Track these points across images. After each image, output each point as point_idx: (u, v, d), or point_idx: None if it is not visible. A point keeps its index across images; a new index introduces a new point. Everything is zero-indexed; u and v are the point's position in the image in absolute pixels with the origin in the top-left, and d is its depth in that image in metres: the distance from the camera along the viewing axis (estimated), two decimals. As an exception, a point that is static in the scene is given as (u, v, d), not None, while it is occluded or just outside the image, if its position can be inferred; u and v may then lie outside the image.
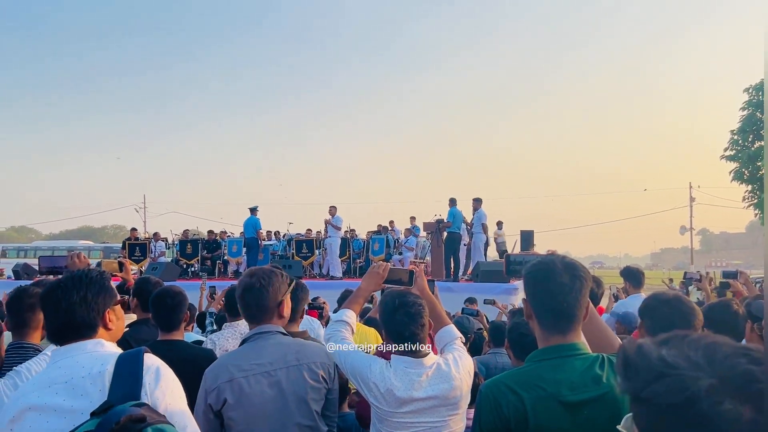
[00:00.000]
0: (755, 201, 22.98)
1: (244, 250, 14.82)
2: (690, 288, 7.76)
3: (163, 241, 16.84)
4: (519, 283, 10.11)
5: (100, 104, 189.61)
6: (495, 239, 16.03)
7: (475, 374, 2.37)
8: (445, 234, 13.01)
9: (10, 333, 2.55)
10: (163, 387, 1.51)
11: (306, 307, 3.52)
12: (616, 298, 6.39)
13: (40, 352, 2.33)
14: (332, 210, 14.30)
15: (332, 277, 13.94)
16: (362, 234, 16.76)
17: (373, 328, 3.87)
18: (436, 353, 2.37)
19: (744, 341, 2.60)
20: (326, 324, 3.59)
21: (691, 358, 0.76)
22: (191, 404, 1.81)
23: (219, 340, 3.53)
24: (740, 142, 23.64)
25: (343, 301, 3.42)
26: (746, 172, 22.98)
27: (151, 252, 15.66)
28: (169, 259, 16.01)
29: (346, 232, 15.58)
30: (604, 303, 6.53)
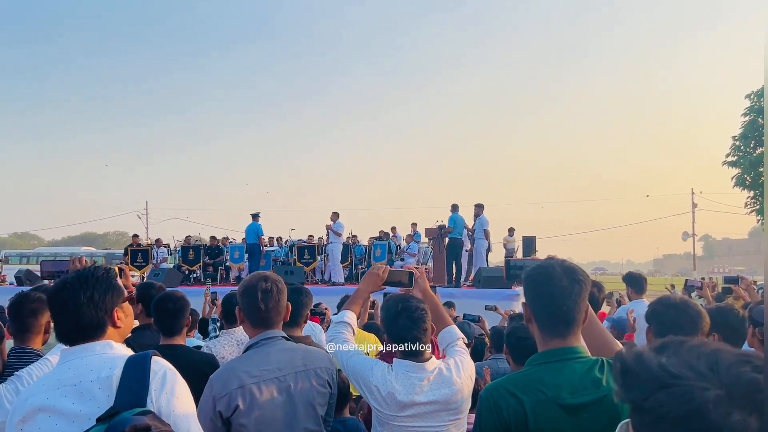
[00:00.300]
0: (757, 207, 22.98)
1: (246, 256, 14.83)
2: (692, 295, 7.75)
3: (165, 247, 16.86)
4: (521, 289, 10.07)
5: (102, 111, 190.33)
6: (505, 245, 16.00)
7: (476, 380, 2.38)
8: (447, 240, 13.01)
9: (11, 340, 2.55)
10: (168, 392, 1.51)
11: (308, 313, 3.52)
12: (619, 303, 6.38)
13: (41, 357, 2.33)
14: (334, 216, 14.33)
15: (334, 283, 13.94)
16: (364, 240, 16.75)
17: (372, 334, 3.87)
18: (438, 356, 2.38)
19: (746, 345, 2.61)
20: (327, 328, 3.60)
21: (695, 367, 0.75)
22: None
23: (215, 347, 3.51)
24: (742, 148, 23.70)
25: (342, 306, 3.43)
26: (748, 178, 23.00)
27: (154, 258, 15.66)
28: (172, 266, 16.02)
29: (348, 238, 15.58)
30: (606, 309, 6.54)
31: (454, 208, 13.20)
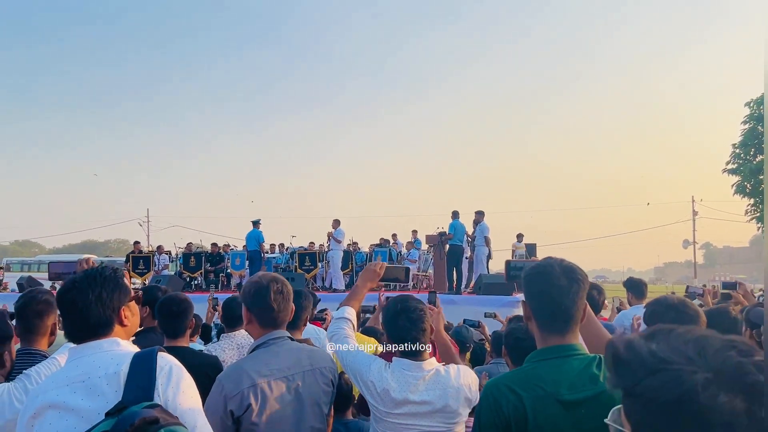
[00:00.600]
0: (757, 214, 23.01)
1: (247, 263, 14.87)
2: (693, 302, 7.75)
3: (166, 254, 16.89)
4: (521, 296, 10.09)
5: (103, 119, 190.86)
6: (513, 251, 15.96)
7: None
8: (447, 247, 13.04)
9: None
10: (175, 386, 1.54)
11: (308, 316, 3.56)
12: (619, 310, 6.40)
13: (48, 358, 2.36)
14: (335, 223, 14.39)
15: (335, 290, 13.94)
16: (365, 247, 16.78)
17: (371, 337, 3.90)
18: (440, 360, 2.40)
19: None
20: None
21: (683, 352, 0.78)
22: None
23: (215, 351, 3.53)
24: (742, 155, 23.74)
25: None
26: (748, 185, 23.05)
27: (155, 265, 15.70)
28: (173, 273, 16.05)
29: (348, 245, 15.62)
30: (606, 314, 6.55)
31: (455, 214, 13.25)
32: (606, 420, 0.91)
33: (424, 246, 15.23)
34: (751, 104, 23.21)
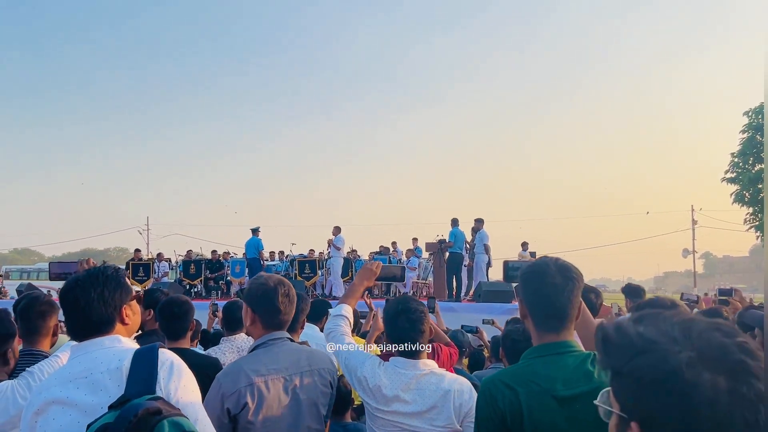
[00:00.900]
0: (756, 223, 23.05)
1: (247, 270, 14.89)
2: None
3: (166, 261, 16.89)
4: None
5: (104, 128, 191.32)
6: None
7: None
8: (447, 254, 13.07)
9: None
10: (176, 380, 1.57)
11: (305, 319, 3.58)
12: (618, 315, 6.42)
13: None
14: (336, 230, 14.43)
15: (335, 297, 13.96)
16: (364, 255, 16.80)
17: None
18: (440, 364, 2.44)
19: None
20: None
21: (669, 333, 0.82)
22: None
23: (216, 354, 3.54)
24: (741, 164, 23.82)
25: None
26: (747, 194, 23.12)
27: (155, 272, 15.70)
28: (173, 280, 16.05)
29: (348, 252, 15.65)
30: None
31: (455, 222, 13.30)
32: (596, 401, 0.94)
33: (425, 254, 15.25)
34: (750, 113, 23.32)
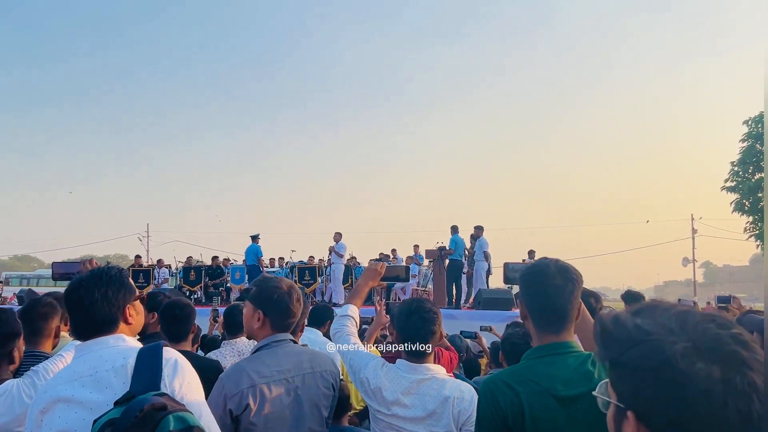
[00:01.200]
0: (756, 232, 23.08)
1: (247, 277, 14.90)
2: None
3: (166, 267, 16.93)
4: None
5: (103, 133, 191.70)
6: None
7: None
8: (447, 261, 13.08)
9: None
10: (180, 378, 1.58)
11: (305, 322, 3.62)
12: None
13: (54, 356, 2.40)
14: (337, 236, 14.44)
15: (335, 304, 13.96)
16: (364, 262, 16.81)
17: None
18: (448, 368, 2.44)
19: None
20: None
21: (665, 325, 0.83)
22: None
23: (216, 357, 3.57)
24: (740, 173, 23.88)
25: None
26: (747, 203, 23.18)
27: (155, 279, 15.74)
28: (173, 286, 16.05)
29: (348, 260, 15.66)
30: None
31: (455, 229, 13.31)
32: (594, 392, 0.96)
33: (426, 261, 15.26)
34: (750, 122, 23.42)
